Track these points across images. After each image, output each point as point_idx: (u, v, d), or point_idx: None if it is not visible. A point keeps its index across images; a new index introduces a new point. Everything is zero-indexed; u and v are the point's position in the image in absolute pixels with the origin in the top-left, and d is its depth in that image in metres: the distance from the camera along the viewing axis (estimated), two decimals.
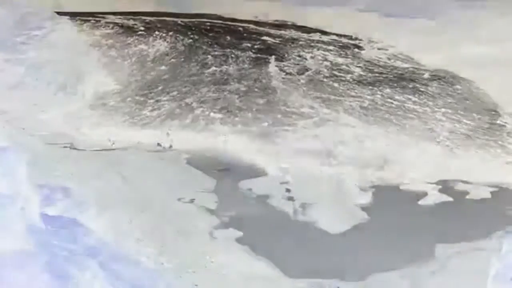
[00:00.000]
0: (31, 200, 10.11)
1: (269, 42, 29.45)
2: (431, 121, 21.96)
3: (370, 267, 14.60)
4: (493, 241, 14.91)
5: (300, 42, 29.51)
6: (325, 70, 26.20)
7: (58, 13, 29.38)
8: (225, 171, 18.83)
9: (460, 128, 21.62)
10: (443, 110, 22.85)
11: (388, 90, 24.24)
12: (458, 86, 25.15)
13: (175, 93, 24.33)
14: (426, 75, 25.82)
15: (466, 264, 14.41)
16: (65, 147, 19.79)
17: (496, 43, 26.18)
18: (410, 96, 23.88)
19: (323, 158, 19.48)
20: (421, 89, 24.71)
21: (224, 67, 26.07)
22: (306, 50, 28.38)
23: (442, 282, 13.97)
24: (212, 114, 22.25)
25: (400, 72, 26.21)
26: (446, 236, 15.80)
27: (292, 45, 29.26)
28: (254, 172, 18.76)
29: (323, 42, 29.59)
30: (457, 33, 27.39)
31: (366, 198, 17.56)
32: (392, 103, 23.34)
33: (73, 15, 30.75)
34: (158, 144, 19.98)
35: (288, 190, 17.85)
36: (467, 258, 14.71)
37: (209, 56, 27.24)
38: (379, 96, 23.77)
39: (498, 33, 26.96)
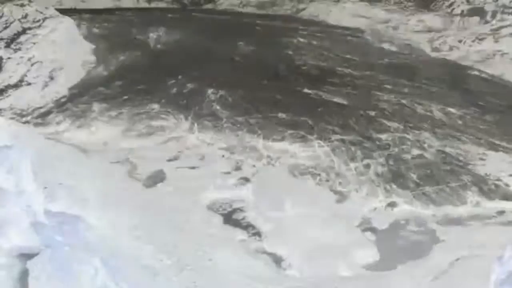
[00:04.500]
0: (35, 197, 10.27)
1: (268, 32, 29.84)
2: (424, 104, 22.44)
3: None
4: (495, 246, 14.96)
5: (299, 32, 29.88)
6: (323, 57, 26.74)
7: (59, 10, 29.65)
8: None
9: (454, 112, 22.02)
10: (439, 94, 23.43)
11: (382, 76, 24.82)
12: (448, 69, 25.67)
13: (173, 81, 24.83)
14: (422, 64, 26.38)
15: (467, 269, 14.43)
16: (68, 144, 20.02)
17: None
18: (403, 80, 24.41)
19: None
20: (415, 72, 25.23)
21: (221, 58, 26.47)
22: (303, 39, 28.77)
23: (444, 286, 14.12)
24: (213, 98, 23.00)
25: (397, 59, 26.84)
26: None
27: (290, 34, 29.67)
28: None
29: (321, 32, 29.88)
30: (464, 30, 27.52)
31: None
32: (386, 87, 23.87)
33: (73, 12, 31.08)
34: None
35: None
36: (469, 263, 14.75)
37: (203, 46, 27.82)
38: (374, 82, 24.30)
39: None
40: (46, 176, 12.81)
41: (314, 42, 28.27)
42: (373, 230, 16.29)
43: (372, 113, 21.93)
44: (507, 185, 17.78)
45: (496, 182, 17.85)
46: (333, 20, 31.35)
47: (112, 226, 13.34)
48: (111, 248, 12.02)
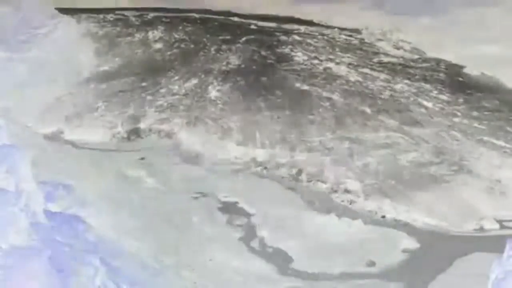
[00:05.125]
0: (34, 197, 10.23)
1: (266, 32, 30.01)
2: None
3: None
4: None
5: (298, 33, 29.94)
6: (321, 56, 26.95)
7: (59, 9, 29.68)
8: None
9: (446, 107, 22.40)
10: (434, 92, 23.70)
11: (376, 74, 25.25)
12: (443, 69, 25.80)
13: (175, 78, 25.07)
14: (417, 63, 26.49)
15: (467, 268, 14.65)
16: (67, 144, 20.03)
17: (502, 42, 26.15)
18: (398, 78, 24.87)
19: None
20: (410, 71, 25.61)
21: (220, 58, 26.69)
22: (302, 41, 28.94)
23: (444, 285, 14.31)
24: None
25: (394, 60, 27.05)
26: None
27: (290, 36, 29.83)
28: None
29: (318, 33, 29.98)
30: (461, 31, 27.41)
31: None
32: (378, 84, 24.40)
33: (73, 11, 31.16)
34: None
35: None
36: (469, 261, 15.01)
37: (202, 45, 28.07)
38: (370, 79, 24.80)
39: (506, 31, 26.80)
40: (46, 176, 12.79)
41: (310, 41, 28.52)
42: None
43: (368, 110, 22.20)
44: None
45: None
46: None
47: (112, 226, 13.31)
48: (111, 248, 12.00)
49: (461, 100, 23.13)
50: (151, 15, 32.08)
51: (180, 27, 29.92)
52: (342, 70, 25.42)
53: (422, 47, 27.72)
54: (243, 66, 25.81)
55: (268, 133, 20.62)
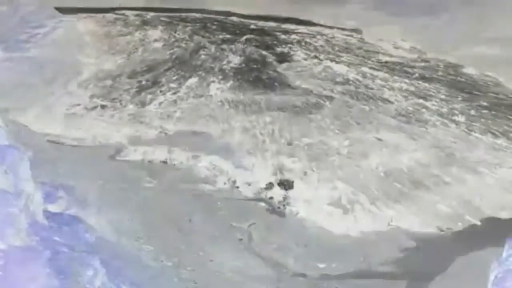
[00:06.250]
0: (34, 198, 10.21)
1: (266, 32, 30.15)
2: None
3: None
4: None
5: (297, 33, 30.09)
6: (321, 55, 27.11)
7: (59, 9, 29.70)
8: None
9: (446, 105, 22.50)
10: (433, 91, 23.75)
11: (375, 73, 25.34)
12: (442, 68, 25.98)
13: (175, 77, 25.16)
14: (416, 62, 26.65)
15: (467, 267, 14.66)
16: (67, 144, 20.00)
17: (501, 41, 26.30)
18: (397, 77, 24.94)
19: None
20: (409, 71, 25.72)
21: (218, 58, 26.86)
22: (302, 40, 29.11)
23: (444, 285, 14.33)
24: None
25: (393, 59, 27.13)
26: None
27: (291, 36, 29.97)
28: None
29: (317, 33, 30.15)
30: (460, 31, 27.58)
31: None
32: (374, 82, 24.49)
33: (73, 11, 31.21)
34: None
35: None
36: (468, 261, 14.98)
37: (202, 43, 28.12)
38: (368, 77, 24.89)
39: (505, 31, 26.97)
40: (46, 176, 12.78)
41: (309, 40, 28.72)
42: None
43: (367, 108, 22.29)
44: None
45: None
46: None
47: (112, 227, 13.32)
48: (111, 249, 12.00)
49: (459, 99, 23.26)
50: (151, 14, 32.26)
51: (180, 27, 30.15)
52: (342, 69, 25.66)
53: (421, 47, 27.82)
54: (243, 65, 26.06)
55: (269, 132, 20.68)
